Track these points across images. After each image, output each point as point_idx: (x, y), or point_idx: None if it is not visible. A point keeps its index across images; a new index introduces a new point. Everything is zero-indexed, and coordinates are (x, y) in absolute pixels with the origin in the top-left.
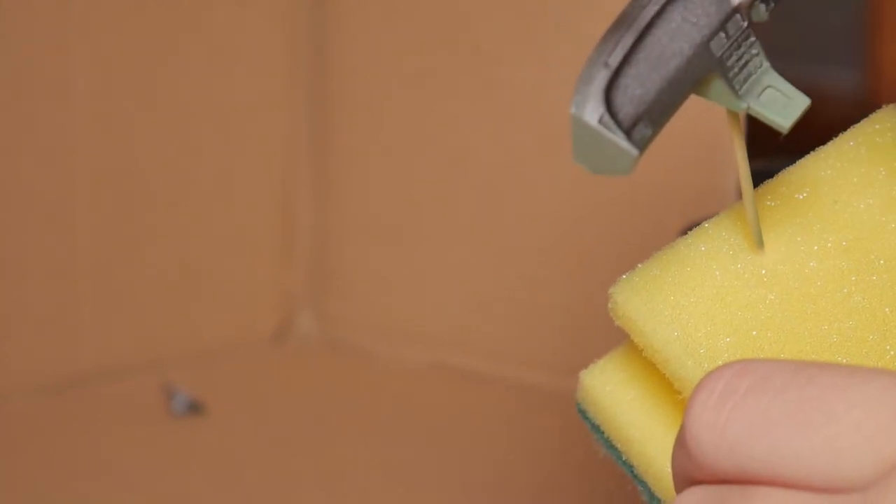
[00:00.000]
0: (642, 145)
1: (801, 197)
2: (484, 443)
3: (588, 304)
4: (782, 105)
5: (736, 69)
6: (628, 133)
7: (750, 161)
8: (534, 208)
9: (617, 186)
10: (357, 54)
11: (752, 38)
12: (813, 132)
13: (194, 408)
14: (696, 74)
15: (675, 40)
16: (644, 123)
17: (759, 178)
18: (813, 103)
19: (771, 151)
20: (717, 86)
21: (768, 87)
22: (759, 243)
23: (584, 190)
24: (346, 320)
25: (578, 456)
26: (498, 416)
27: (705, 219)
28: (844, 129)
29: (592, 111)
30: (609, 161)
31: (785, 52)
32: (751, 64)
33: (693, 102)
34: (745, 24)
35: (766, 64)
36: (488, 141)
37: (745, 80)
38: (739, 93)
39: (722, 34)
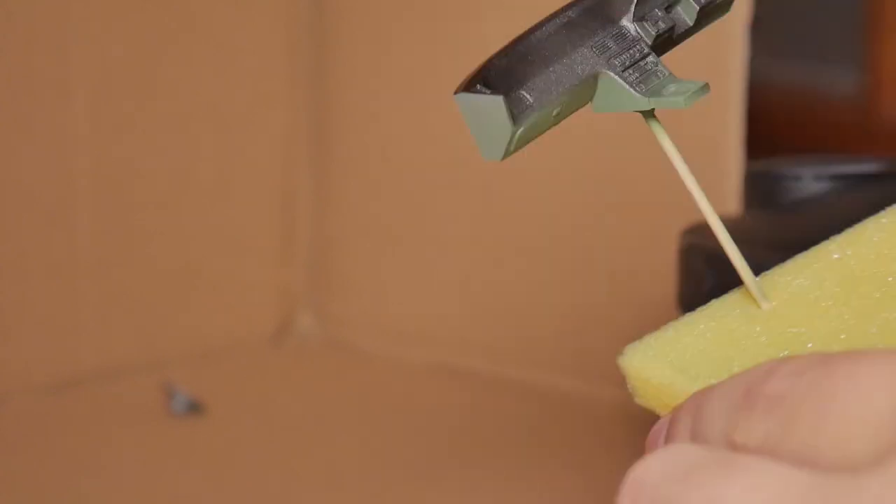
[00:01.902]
0: (519, 119)
1: (836, 257)
2: (483, 443)
3: (588, 304)
4: (683, 92)
5: (630, 71)
6: (503, 94)
7: (750, 161)
8: (534, 209)
9: (617, 187)
10: (357, 54)
11: (646, 50)
12: (813, 132)
13: (194, 408)
14: (580, 65)
15: (555, 38)
16: (524, 91)
17: (759, 178)
18: (813, 103)
19: (771, 152)
20: (611, 84)
21: (672, 86)
22: (760, 297)
23: (584, 190)
24: (346, 320)
25: (579, 456)
26: (498, 416)
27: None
28: (844, 129)
29: (463, 87)
30: (494, 127)
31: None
32: (649, 70)
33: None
34: (636, 35)
35: (667, 72)
36: None
37: (644, 82)
38: (640, 92)
39: (608, 41)
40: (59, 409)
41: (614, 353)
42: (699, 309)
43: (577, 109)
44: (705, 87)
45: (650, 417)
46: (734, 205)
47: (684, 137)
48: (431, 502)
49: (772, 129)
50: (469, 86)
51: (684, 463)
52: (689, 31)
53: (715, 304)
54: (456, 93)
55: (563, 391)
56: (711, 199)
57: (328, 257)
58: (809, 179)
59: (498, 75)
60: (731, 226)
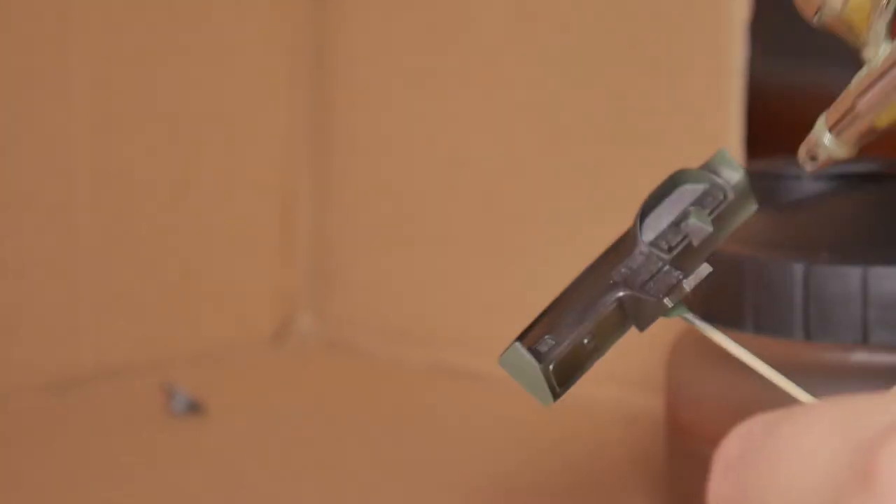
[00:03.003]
0: (545, 357)
1: None
2: (484, 443)
3: None
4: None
5: (651, 284)
6: (532, 350)
7: (750, 161)
8: (534, 209)
9: (617, 186)
10: (357, 54)
11: (662, 264)
12: None
13: (194, 408)
14: (600, 297)
15: (571, 294)
16: (550, 337)
17: (759, 178)
18: (813, 103)
19: (771, 152)
20: (634, 301)
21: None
22: None
23: (583, 190)
24: (346, 320)
25: (579, 456)
26: (498, 416)
27: None
28: None
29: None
30: (529, 374)
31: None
32: (668, 278)
33: (691, 102)
34: (647, 253)
35: (682, 275)
36: (488, 141)
37: (666, 291)
38: (664, 300)
39: (623, 270)
40: (59, 409)
41: (614, 353)
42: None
43: (615, 339)
44: (704, 268)
45: (650, 418)
46: None
47: (684, 137)
48: (431, 502)
49: (772, 129)
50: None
51: None
52: (715, 237)
53: None
54: (500, 360)
55: None
56: None
57: (328, 257)
58: (809, 179)
59: (524, 334)
60: None
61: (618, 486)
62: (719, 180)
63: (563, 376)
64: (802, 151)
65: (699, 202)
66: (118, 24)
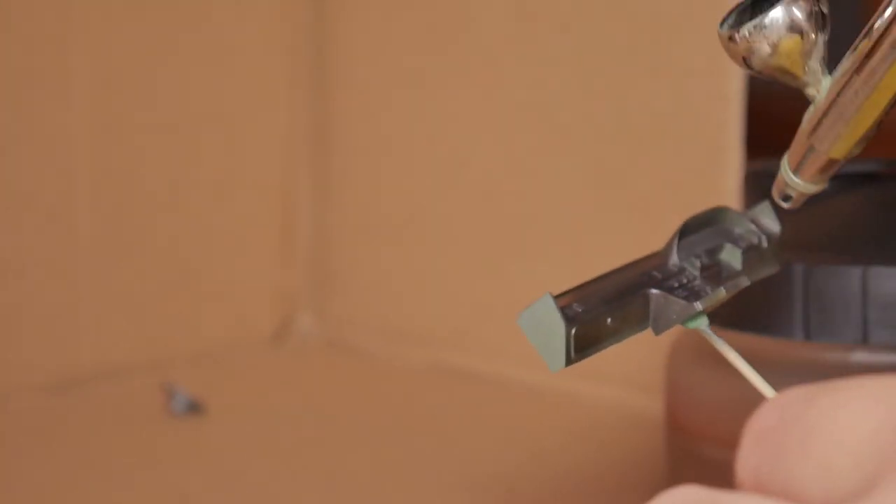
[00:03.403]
0: (571, 319)
1: None
2: (484, 443)
3: None
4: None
5: (680, 290)
6: (562, 309)
7: (749, 161)
8: (534, 209)
9: (617, 186)
10: (357, 54)
11: (692, 277)
12: None
13: (194, 408)
14: (630, 284)
15: (606, 279)
16: (578, 305)
17: (759, 178)
18: None
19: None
20: (661, 299)
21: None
22: None
23: (583, 190)
24: (346, 320)
25: (579, 456)
26: (498, 416)
27: None
28: None
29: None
30: (550, 332)
31: None
32: (696, 288)
33: (691, 102)
34: (680, 266)
35: (711, 289)
36: (488, 141)
37: (691, 297)
38: (694, 303)
39: (655, 274)
40: (59, 409)
41: (614, 353)
42: None
43: (633, 330)
44: (744, 279)
45: (650, 418)
46: (734, 205)
47: (684, 137)
48: (431, 502)
49: (772, 129)
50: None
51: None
52: (742, 276)
53: None
54: (519, 317)
55: (562, 392)
56: (711, 198)
57: (328, 257)
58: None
59: (559, 297)
60: None
61: (618, 486)
62: (755, 229)
63: (580, 344)
64: (775, 193)
65: (734, 241)
66: (118, 24)
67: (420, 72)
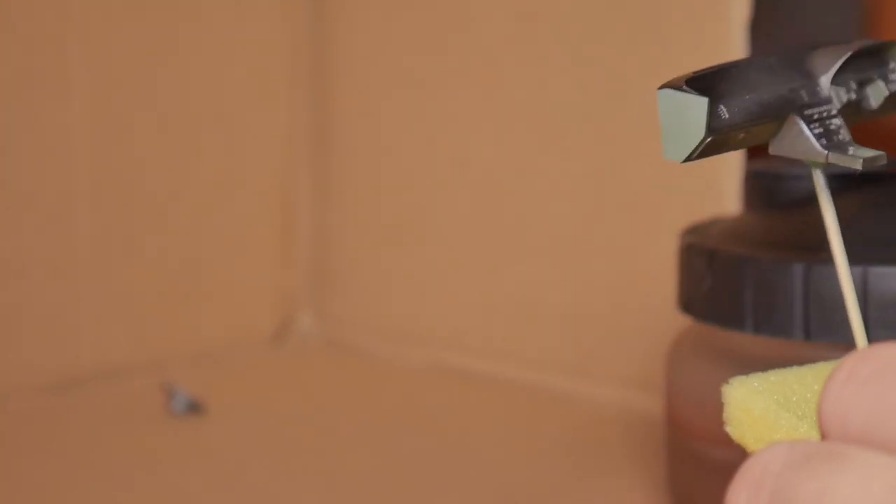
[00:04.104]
0: (715, 128)
1: None
2: (484, 443)
3: (588, 304)
4: (861, 156)
5: (816, 125)
6: (709, 110)
7: (749, 161)
8: (534, 208)
9: (617, 186)
10: (357, 54)
11: (834, 112)
12: None
13: (194, 408)
14: (776, 102)
15: (756, 73)
16: (725, 110)
17: (759, 177)
18: None
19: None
20: (796, 130)
21: (851, 149)
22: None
23: (584, 190)
24: (346, 320)
25: (578, 456)
26: (498, 416)
27: (705, 219)
28: None
29: (670, 84)
30: (688, 128)
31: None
32: (832, 129)
33: None
34: (827, 94)
35: (849, 137)
36: (488, 141)
37: (825, 137)
38: (820, 145)
39: (803, 92)
40: (59, 409)
41: (614, 353)
42: (808, 365)
43: (759, 143)
44: (882, 156)
45: (649, 418)
46: (734, 205)
47: None
48: (431, 502)
49: None
50: (676, 84)
51: (802, 453)
52: (872, 114)
53: (825, 365)
54: (661, 88)
55: (562, 391)
56: (711, 199)
57: (328, 257)
58: (809, 179)
59: (704, 84)
60: (731, 226)
61: (618, 485)
62: None
63: (707, 149)
64: None
65: (886, 78)
66: (117, 23)
67: (420, 72)
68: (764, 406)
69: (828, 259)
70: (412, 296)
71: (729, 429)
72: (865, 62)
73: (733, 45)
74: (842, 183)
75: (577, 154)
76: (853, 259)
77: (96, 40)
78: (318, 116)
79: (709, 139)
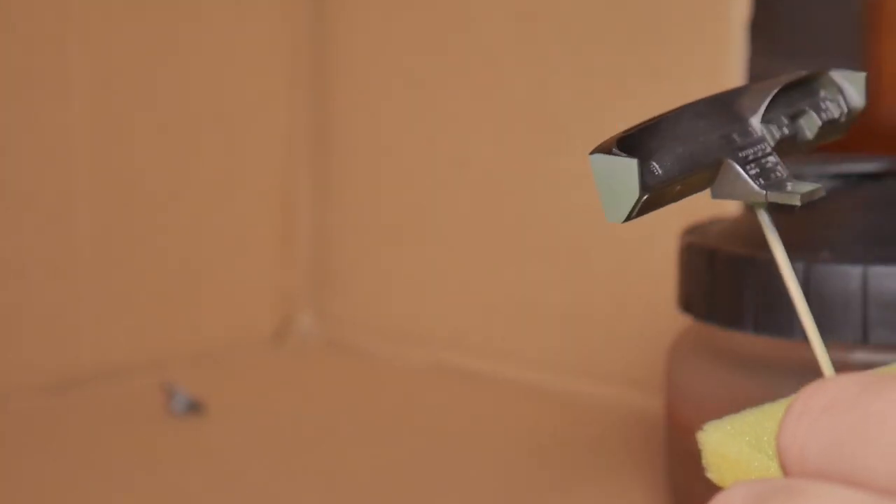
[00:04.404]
0: (649, 186)
1: None
2: (484, 443)
3: (588, 304)
4: (799, 192)
5: (752, 166)
6: (641, 172)
7: None
8: (534, 208)
9: None
10: (357, 54)
11: (768, 150)
12: None
13: (194, 408)
14: (709, 149)
15: (685, 123)
16: (657, 167)
17: None
18: None
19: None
20: (732, 173)
21: (789, 185)
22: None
23: (584, 190)
24: (346, 320)
25: (578, 456)
26: (498, 417)
27: (705, 219)
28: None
29: (600, 149)
30: (622, 190)
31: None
32: (769, 167)
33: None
34: (760, 134)
35: (786, 173)
36: (488, 141)
37: (763, 177)
38: (758, 185)
39: (735, 135)
40: (59, 409)
41: (614, 353)
42: (781, 401)
43: (696, 191)
44: (819, 189)
45: (649, 418)
46: (734, 204)
47: None
48: (431, 502)
49: None
50: (606, 148)
51: (758, 493)
52: (808, 144)
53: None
54: (592, 153)
55: (562, 391)
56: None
57: (328, 257)
58: (809, 179)
59: (633, 145)
60: (731, 226)
61: (618, 485)
62: (842, 100)
63: (644, 207)
64: None
65: (818, 109)
66: (117, 23)
67: (420, 72)
68: (737, 450)
69: (828, 259)
70: (412, 296)
71: (709, 475)
72: (795, 95)
73: (733, 45)
74: (842, 183)
75: (577, 154)
76: (853, 258)
77: (96, 40)
78: (318, 116)
79: (644, 197)
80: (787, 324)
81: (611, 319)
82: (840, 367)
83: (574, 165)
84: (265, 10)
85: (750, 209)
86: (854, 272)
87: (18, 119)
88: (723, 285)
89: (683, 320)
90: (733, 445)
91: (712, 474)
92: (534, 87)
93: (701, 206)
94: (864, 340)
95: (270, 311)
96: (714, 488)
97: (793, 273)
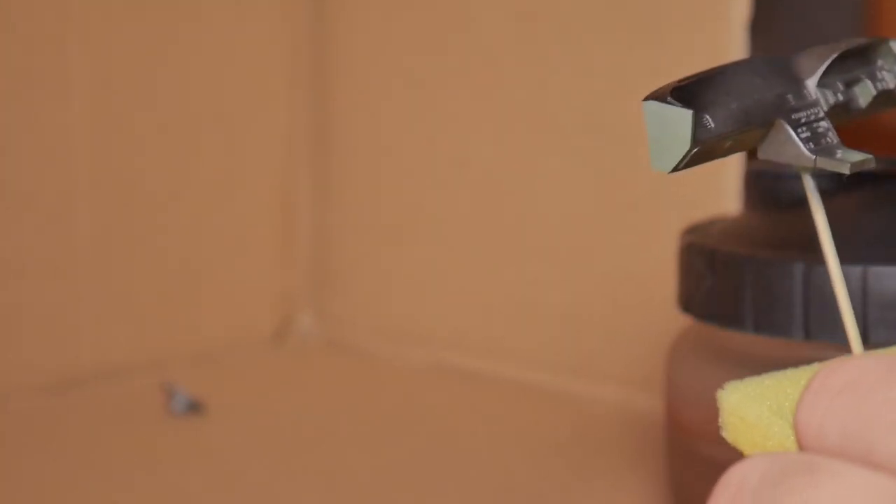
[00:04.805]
0: (701, 139)
1: None
2: (484, 443)
3: (588, 304)
4: (849, 160)
5: (804, 129)
6: (694, 120)
7: (749, 160)
8: (534, 208)
9: (617, 186)
10: (357, 54)
11: (821, 114)
12: None
13: (194, 408)
14: (762, 108)
15: (741, 79)
16: (710, 120)
17: (759, 177)
18: None
19: None
20: (783, 134)
21: (839, 152)
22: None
23: (584, 190)
24: (346, 320)
25: (578, 456)
26: (498, 417)
27: (705, 219)
28: (843, 128)
29: (654, 96)
30: (674, 139)
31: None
32: (820, 132)
33: None
34: (814, 98)
35: (837, 140)
36: (488, 141)
37: (813, 141)
38: (808, 149)
39: (789, 96)
40: (59, 409)
41: (614, 353)
42: (804, 367)
43: (746, 149)
44: (871, 160)
45: (649, 418)
46: (734, 204)
47: None
48: (431, 502)
49: None
50: (661, 96)
51: (780, 467)
52: (860, 113)
53: (821, 366)
54: (646, 99)
55: (563, 391)
56: (711, 198)
57: (328, 257)
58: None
59: (688, 95)
60: (731, 226)
61: (618, 485)
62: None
63: (693, 159)
64: None
65: (873, 78)
66: (117, 23)
67: (420, 72)
68: (757, 413)
69: None
70: (412, 296)
71: (724, 434)
72: (852, 62)
73: (733, 45)
74: (841, 182)
75: (576, 154)
76: (853, 258)
77: (96, 40)
78: (318, 116)
79: (695, 150)
80: (786, 324)
81: (610, 319)
82: None
83: (574, 165)
84: (265, 10)
85: (796, 176)
86: (854, 273)
87: (18, 119)
88: (723, 285)
89: (683, 320)
90: (753, 408)
91: (727, 434)
92: (534, 87)
93: (701, 207)
94: (864, 341)
95: (270, 311)
96: (714, 488)
97: (832, 240)
